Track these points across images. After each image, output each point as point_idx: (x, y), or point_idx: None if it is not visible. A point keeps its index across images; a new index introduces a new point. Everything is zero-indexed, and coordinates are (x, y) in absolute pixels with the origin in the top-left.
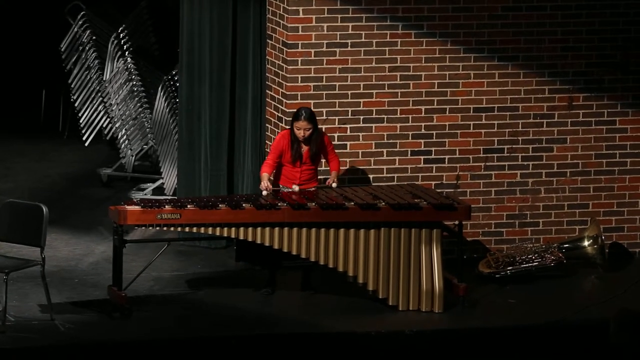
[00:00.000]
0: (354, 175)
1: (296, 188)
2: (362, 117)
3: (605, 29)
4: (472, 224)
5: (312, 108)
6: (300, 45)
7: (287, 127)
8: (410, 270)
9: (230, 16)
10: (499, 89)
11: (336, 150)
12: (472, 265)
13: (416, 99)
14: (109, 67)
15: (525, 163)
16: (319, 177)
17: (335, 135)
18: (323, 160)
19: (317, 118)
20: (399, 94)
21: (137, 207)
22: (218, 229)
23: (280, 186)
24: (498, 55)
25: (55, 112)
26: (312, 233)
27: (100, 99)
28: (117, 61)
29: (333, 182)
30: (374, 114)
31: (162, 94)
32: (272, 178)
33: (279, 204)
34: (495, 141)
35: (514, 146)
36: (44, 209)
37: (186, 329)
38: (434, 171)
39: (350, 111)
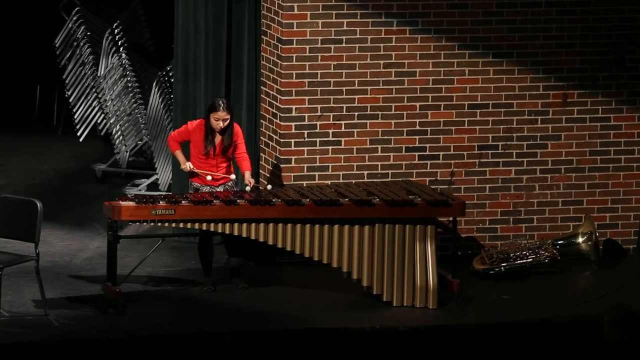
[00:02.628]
0: (348, 172)
1: (209, 177)
2: (356, 114)
3: (599, 26)
4: (467, 220)
5: (306, 104)
6: (295, 41)
7: (282, 122)
8: (405, 266)
9: (225, 12)
10: (493, 85)
11: (331, 147)
12: (466, 262)
13: (411, 95)
14: (103, 62)
15: (520, 160)
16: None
17: (330, 131)
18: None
19: (312, 114)
20: (394, 90)
21: (131, 203)
22: (212, 224)
23: (195, 184)
24: (493, 51)
25: (50, 107)
26: (307, 229)
27: (95, 94)
28: (112, 57)
29: (250, 182)
30: (368, 110)
31: (156, 89)
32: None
33: (274, 200)
34: (490, 138)
35: (508, 143)
36: (38, 205)
37: (180, 324)
38: (428, 167)
39: (344, 107)
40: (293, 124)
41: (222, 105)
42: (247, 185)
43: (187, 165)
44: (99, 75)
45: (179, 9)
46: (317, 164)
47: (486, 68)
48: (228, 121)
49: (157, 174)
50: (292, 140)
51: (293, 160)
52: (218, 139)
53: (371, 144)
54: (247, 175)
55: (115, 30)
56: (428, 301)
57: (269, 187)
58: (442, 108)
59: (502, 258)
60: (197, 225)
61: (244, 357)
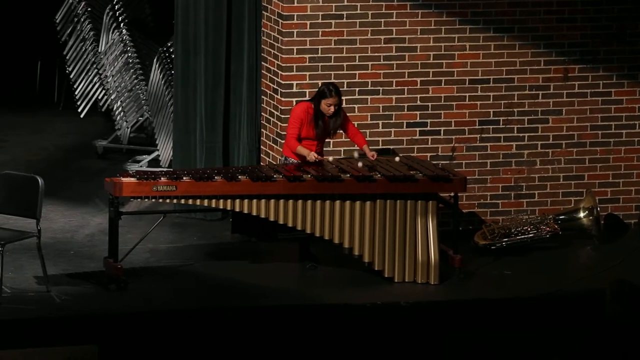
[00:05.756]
0: (349, 147)
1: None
2: (357, 89)
3: (600, 0)
4: (468, 196)
5: (307, 80)
6: (295, 17)
7: (283, 98)
8: (406, 242)
9: None
10: (494, 60)
11: None
12: (467, 237)
13: (412, 70)
14: (104, 38)
15: (521, 135)
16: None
17: None
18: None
19: (313, 90)
20: (395, 65)
21: (132, 179)
22: (214, 200)
23: (291, 160)
24: (493, 26)
25: (51, 83)
26: (308, 205)
27: (96, 70)
28: (113, 33)
29: (374, 156)
30: (369, 85)
31: (157, 65)
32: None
33: (275, 176)
34: (491, 113)
35: (509, 118)
36: (40, 181)
37: (182, 300)
38: (429, 143)
39: (345, 83)
40: (294, 99)
41: (333, 90)
42: (372, 159)
43: (312, 156)
44: (99, 51)
45: None
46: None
47: (487, 43)
48: (338, 105)
49: (158, 150)
50: None
51: None
52: (327, 122)
53: (372, 119)
54: (367, 149)
55: (116, 6)
56: (430, 277)
57: (397, 158)
58: (443, 83)
59: (503, 233)
60: (198, 202)
61: (246, 333)
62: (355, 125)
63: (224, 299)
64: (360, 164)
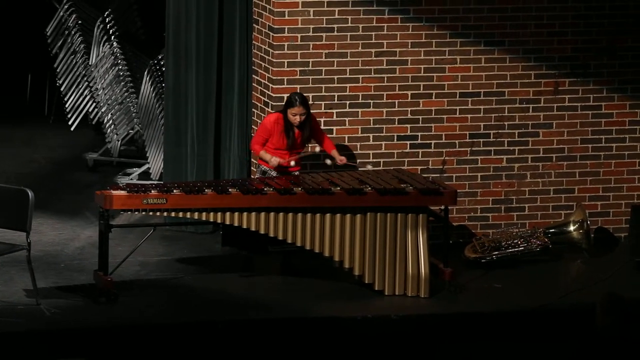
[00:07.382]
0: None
1: (293, 163)
2: (348, 102)
3: (591, 14)
4: (458, 209)
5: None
6: (286, 30)
7: (274, 111)
8: (396, 255)
9: (216, 0)
10: (485, 73)
11: None
12: (458, 250)
13: (402, 83)
14: (94, 51)
15: (511, 148)
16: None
17: (322, 120)
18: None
19: None
20: (385, 78)
21: (123, 192)
22: (204, 214)
23: (262, 167)
24: (484, 40)
25: (41, 96)
26: (298, 218)
27: (86, 83)
28: (103, 45)
29: (342, 160)
30: (360, 98)
31: (148, 78)
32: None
33: (265, 189)
34: (482, 126)
35: (500, 131)
36: (30, 194)
37: (172, 313)
38: (420, 156)
39: (336, 96)
40: None
41: (298, 100)
42: (339, 163)
43: (275, 160)
44: (90, 63)
45: None
46: (309, 153)
47: (477, 56)
48: (305, 115)
49: (148, 162)
50: None
51: None
52: (296, 131)
53: (363, 132)
54: (336, 153)
55: (107, 19)
56: (420, 290)
57: (370, 167)
58: (433, 96)
59: (493, 247)
60: (188, 215)
61: (236, 346)
62: (324, 132)
63: (215, 311)
64: (369, 167)
